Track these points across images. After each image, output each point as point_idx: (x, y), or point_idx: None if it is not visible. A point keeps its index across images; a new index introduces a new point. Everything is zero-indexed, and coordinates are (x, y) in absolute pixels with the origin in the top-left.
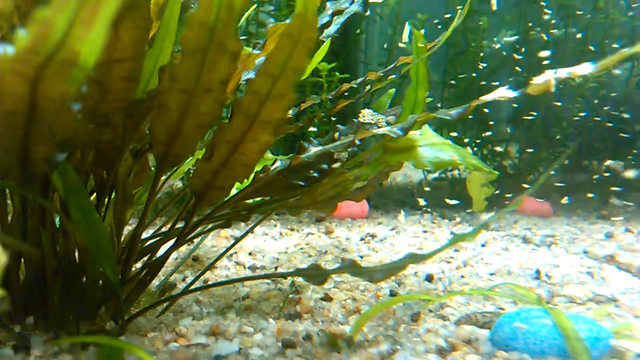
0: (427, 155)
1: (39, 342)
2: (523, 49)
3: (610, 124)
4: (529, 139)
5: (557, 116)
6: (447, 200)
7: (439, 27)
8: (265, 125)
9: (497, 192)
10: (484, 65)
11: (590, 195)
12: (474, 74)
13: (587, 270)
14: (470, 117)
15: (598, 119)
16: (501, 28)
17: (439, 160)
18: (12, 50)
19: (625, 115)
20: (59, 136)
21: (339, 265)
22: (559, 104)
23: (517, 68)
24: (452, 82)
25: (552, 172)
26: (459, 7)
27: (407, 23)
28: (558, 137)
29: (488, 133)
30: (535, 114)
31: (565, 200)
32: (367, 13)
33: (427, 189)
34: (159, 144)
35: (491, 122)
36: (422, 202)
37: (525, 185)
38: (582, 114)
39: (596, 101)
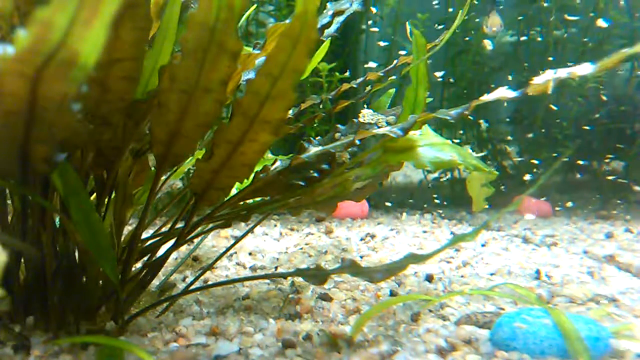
0: (427, 155)
1: (39, 342)
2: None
3: (610, 124)
4: (528, 139)
5: (557, 116)
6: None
7: (440, 26)
8: (265, 125)
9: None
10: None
11: (597, 196)
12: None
13: (587, 270)
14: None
15: (596, 115)
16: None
17: (439, 160)
18: (12, 50)
19: (623, 108)
20: (59, 136)
21: (339, 265)
22: (554, 108)
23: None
24: (452, 81)
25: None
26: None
27: (407, 23)
28: (559, 136)
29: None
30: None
31: (569, 204)
32: (378, 17)
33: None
34: (159, 144)
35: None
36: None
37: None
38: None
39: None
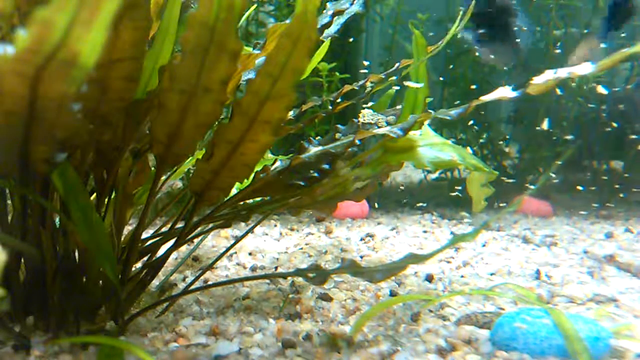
0: (427, 155)
1: (39, 342)
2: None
3: (610, 124)
4: (529, 139)
5: (557, 116)
6: None
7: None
8: (265, 125)
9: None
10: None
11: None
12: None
13: (587, 270)
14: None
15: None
16: None
17: (439, 160)
18: (12, 50)
19: (622, 107)
20: (59, 136)
21: (339, 265)
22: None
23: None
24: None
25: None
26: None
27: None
28: (558, 136)
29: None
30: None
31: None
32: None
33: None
34: (159, 144)
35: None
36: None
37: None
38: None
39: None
